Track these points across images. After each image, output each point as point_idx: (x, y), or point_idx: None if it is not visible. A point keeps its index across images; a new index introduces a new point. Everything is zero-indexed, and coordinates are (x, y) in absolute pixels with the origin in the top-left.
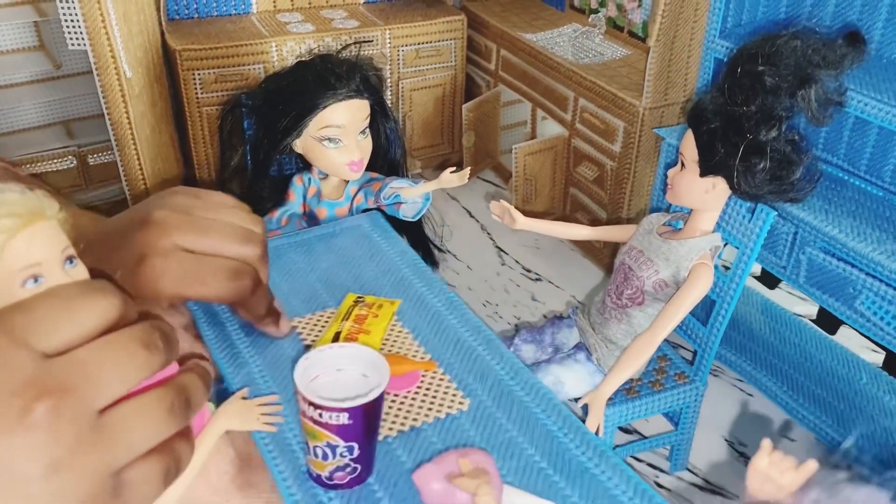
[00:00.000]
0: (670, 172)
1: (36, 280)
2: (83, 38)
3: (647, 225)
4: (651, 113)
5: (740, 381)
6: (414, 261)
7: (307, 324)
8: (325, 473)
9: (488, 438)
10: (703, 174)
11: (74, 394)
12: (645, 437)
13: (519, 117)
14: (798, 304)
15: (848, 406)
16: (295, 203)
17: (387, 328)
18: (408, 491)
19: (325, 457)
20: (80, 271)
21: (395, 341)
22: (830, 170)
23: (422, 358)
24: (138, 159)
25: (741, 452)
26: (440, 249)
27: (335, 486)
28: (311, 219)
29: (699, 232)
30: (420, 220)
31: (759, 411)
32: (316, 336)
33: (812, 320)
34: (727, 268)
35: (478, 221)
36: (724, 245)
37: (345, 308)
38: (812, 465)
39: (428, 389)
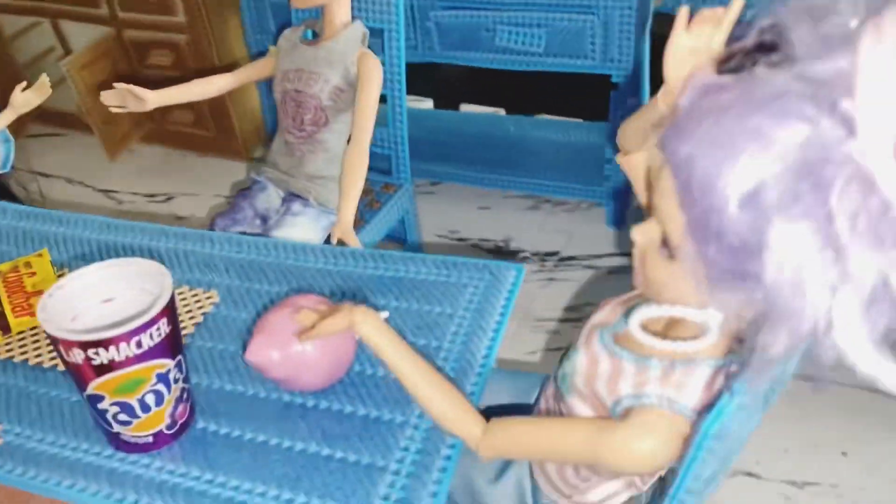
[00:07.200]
0: None
1: None
2: None
3: (286, 43)
4: None
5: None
6: None
7: None
8: (164, 425)
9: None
10: None
11: None
12: None
13: (41, 46)
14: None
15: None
16: None
17: (55, 272)
18: None
19: (158, 400)
20: None
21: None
22: None
23: None
24: None
25: (459, 238)
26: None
27: (179, 432)
28: None
29: (341, 25)
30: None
31: (459, 202)
32: None
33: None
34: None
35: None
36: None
37: None
38: (738, 4)
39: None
